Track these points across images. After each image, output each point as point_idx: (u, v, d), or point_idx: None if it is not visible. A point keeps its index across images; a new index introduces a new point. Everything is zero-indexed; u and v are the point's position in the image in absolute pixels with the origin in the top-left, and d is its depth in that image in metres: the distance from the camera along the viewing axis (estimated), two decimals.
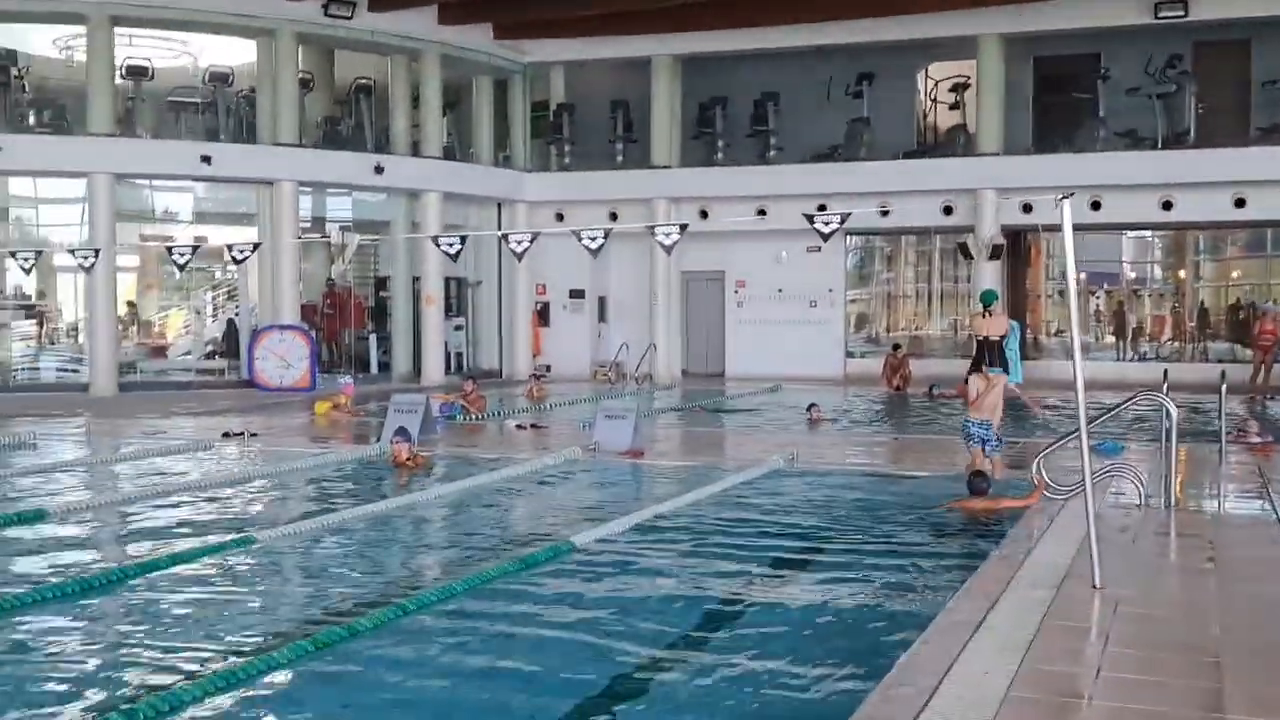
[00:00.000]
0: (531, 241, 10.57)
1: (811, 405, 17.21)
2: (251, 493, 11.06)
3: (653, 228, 8.51)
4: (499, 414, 17.96)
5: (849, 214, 7.71)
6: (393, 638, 6.20)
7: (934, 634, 5.87)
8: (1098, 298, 28.72)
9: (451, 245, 11.21)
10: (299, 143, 23.18)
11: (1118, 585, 6.89)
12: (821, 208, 24.62)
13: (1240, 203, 22.19)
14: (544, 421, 17.03)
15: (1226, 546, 8.31)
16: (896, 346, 23.38)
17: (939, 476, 11.61)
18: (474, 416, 17.28)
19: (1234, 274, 27.85)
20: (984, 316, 14.30)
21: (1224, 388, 13.59)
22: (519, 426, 15.97)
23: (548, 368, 26.62)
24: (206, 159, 21.85)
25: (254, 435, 14.86)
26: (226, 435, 14.81)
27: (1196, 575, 7.48)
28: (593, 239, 9.13)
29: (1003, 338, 14.18)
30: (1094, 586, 6.83)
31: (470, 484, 11.05)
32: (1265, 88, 23.25)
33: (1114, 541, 8.11)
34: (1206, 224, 24.05)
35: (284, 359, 22.24)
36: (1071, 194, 6.84)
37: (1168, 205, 22.59)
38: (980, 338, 14.20)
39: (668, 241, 8.27)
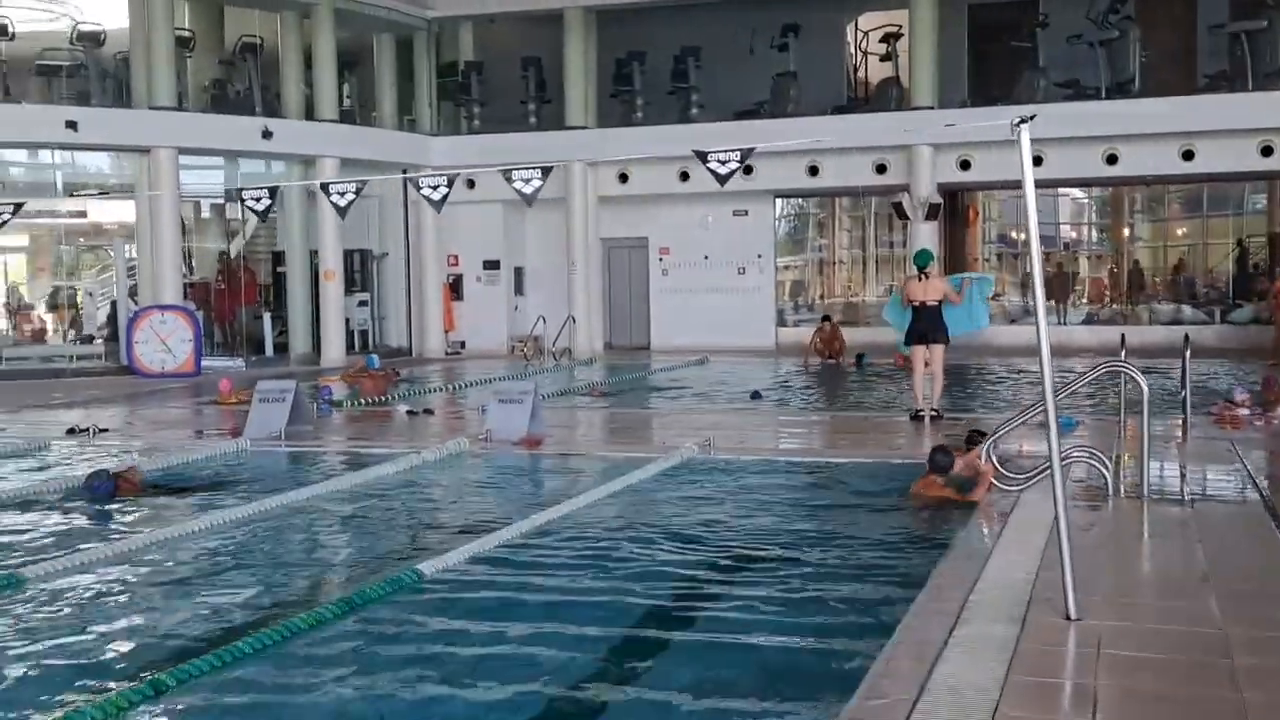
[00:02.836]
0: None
1: (755, 394, 15.75)
2: (45, 510, 9.19)
3: (509, 174, 6.88)
4: (401, 397, 16.22)
5: (750, 149, 6.16)
6: None
7: (862, 711, 4.37)
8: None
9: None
10: (177, 106, 21.19)
11: (1096, 614, 5.44)
12: (748, 169, 23.25)
13: (1188, 155, 20.98)
14: (435, 406, 15.38)
15: (1218, 550, 6.91)
16: (826, 318, 21.93)
17: (877, 463, 10.17)
18: (367, 401, 15.60)
19: (1179, 232, 26.83)
20: (919, 279, 12.85)
21: (1187, 353, 12.27)
22: (410, 412, 14.31)
23: (462, 344, 24.93)
24: (72, 124, 19.82)
25: (103, 431, 13.06)
26: (71, 432, 13.00)
27: (1192, 594, 6.03)
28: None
29: (940, 302, 12.73)
30: (1067, 618, 5.38)
31: (321, 490, 9.36)
32: (1212, 32, 22.02)
33: (1082, 547, 6.63)
34: (1153, 178, 22.84)
35: (165, 342, 20.33)
36: (1033, 117, 5.32)
37: (1113, 159, 21.33)
38: (916, 303, 12.74)
39: (527, 190, 6.67)
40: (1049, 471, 8.57)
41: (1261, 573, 6.54)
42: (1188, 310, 24.26)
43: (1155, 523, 7.75)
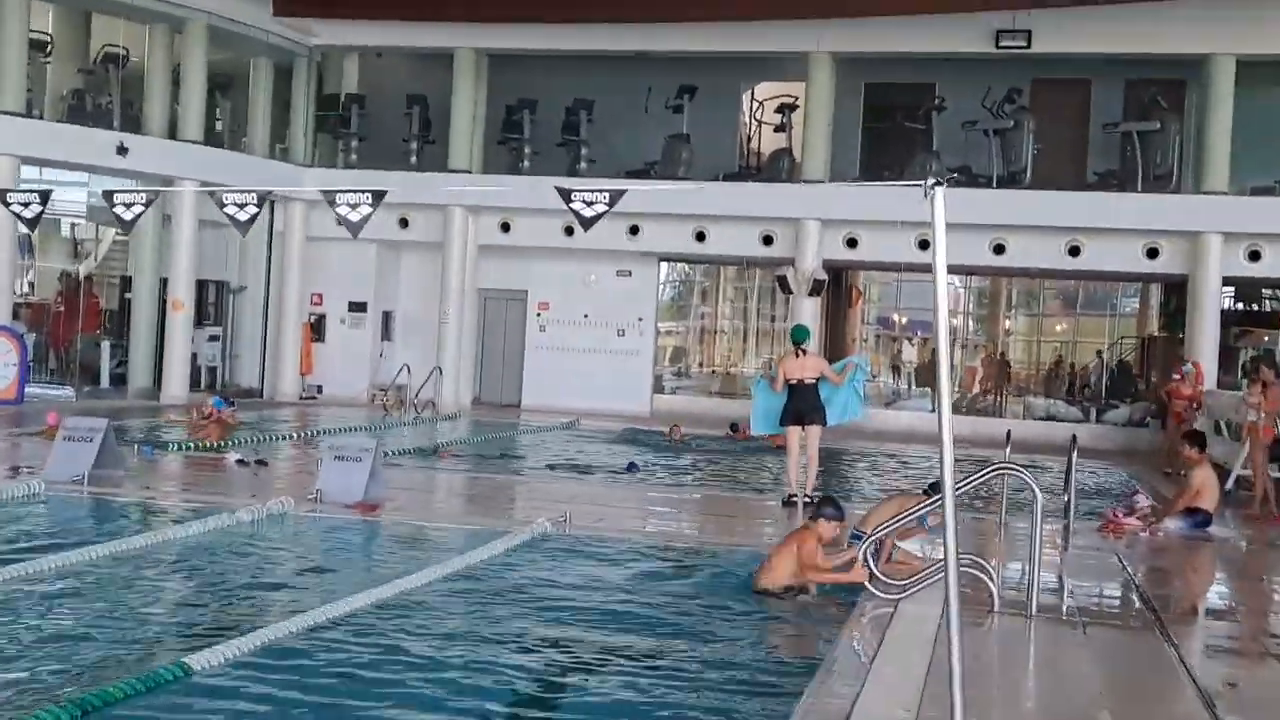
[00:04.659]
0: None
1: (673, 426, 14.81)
2: None
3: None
4: (236, 444, 14.80)
5: (621, 192, 5.24)
6: None
7: None
8: (913, 345, 27.45)
9: (243, 206, 7.61)
10: (25, 113, 19.59)
11: None
12: (634, 229, 22.49)
13: (1075, 250, 20.82)
14: (274, 456, 14.04)
15: (1116, 683, 6.12)
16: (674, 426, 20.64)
17: (747, 551, 9.24)
18: (206, 445, 14.20)
19: (1057, 328, 26.86)
20: (796, 356, 12.09)
21: (1074, 454, 11.67)
22: (240, 462, 12.96)
23: (319, 388, 23.50)
24: None
25: None
26: None
27: None
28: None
29: (817, 380, 11.95)
30: None
31: (103, 551, 8.03)
32: (1105, 130, 22.05)
33: (968, 675, 5.77)
34: (1039, 271, 22.67)
35: None
36: (945, 180, 4.52)
37: (1000, 249, 21.07)
38: (793, 381, 11.94)
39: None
40: (932, 582, 7.86)
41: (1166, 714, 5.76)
42: (1063, 406, 24.10)
43: (1045, 648, 6.96)
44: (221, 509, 9.66)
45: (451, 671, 5.95)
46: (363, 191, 5.50)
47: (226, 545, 8.71)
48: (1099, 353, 25.12)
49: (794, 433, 11.96)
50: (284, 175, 22.86)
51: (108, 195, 5.75)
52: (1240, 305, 24.41)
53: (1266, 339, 24.72)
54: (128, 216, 5.86)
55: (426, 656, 6.17)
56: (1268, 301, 24.73)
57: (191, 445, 14.25)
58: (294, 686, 5.49)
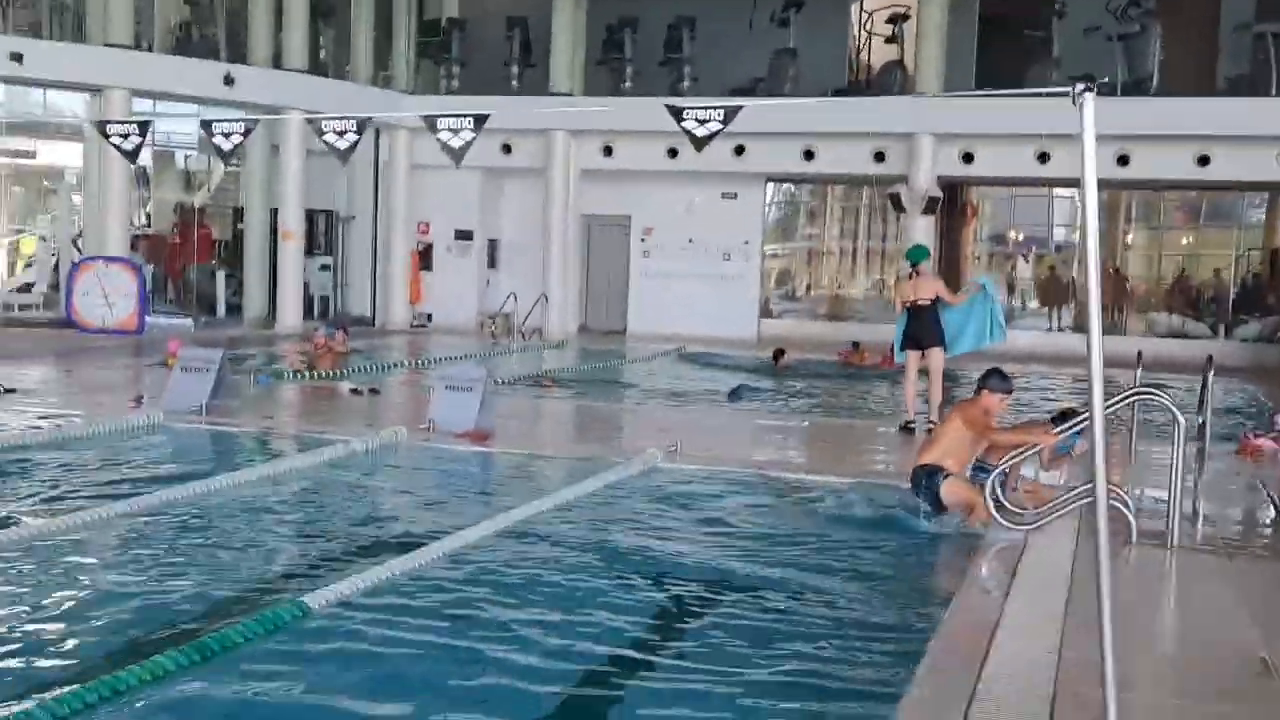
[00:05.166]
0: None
1: (734, 392, 14.56)
2: None
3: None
4: (351, 372, 14.89)
5: (737, 109, 4.94)
6: None
7: None
8: (1028, 262, 26.57)
9: (343, 133, 7.27)
10: (134, 45, 19.79)
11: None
12: (739, 150, 21.97)
13: (1204, 160, 19.79)
14: (388, 384, 14.12)
15: (1273, 618, 5.76)
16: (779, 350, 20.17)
17: (863, 482, 8.96)
18: (318, 374, 14.33)
19: (1183, 240, 25.71)
20: (911, 278, 11.64)
21: (1209, 373, 11.09)
22: (354, 391, 13.03)
23: (429, 316, 23.64)
24: (17, 57, 18.41)
25: (9, 391, 11.77)
26: None
27: (1254, 684, 4.86)
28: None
29: (934, 301, 11.48)
30: None
31: (225, 481, 8.09)
32: (1237, 32, 20.82)
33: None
34: (1165, 183, 21.65)
35: (107, 296, 18.99)
36: (1095, 86, 4.14)
37: (1124, 160, 20.09)
38: (907, 304, 11.53)
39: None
40: (1064, 512, 7.52)
41: None
42: (1190, 323, 23.14)
43: (1189, 581, 6.61)
44: (336, 439, 9.68)
45: (568, 607, 5.84)
46: (465, 116, 5.28)
47: (341, 476, 8.73)
48: (1217, 271, 24.01)
49: (913, 357, 11.59)
50: (387, 103, 22.80)
51: (205, 125, 5.62)
52: None
53: None
54: (226, 146, 5.74)
55: (543, 591, 6.07)
56: None
57: (306, 374, 14.38)
58: (407, 625, 5.42)
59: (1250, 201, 24.13)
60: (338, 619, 5.41)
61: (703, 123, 5.04)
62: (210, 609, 5.63)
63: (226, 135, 5.65)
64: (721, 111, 5.04)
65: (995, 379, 7.71)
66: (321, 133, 5.51)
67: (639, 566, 6.62)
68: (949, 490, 7.50)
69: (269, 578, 6.22)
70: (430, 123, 5.37)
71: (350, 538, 7.10)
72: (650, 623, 5.82)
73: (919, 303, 11.48)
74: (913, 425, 11.45)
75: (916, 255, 11.83)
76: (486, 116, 5.27)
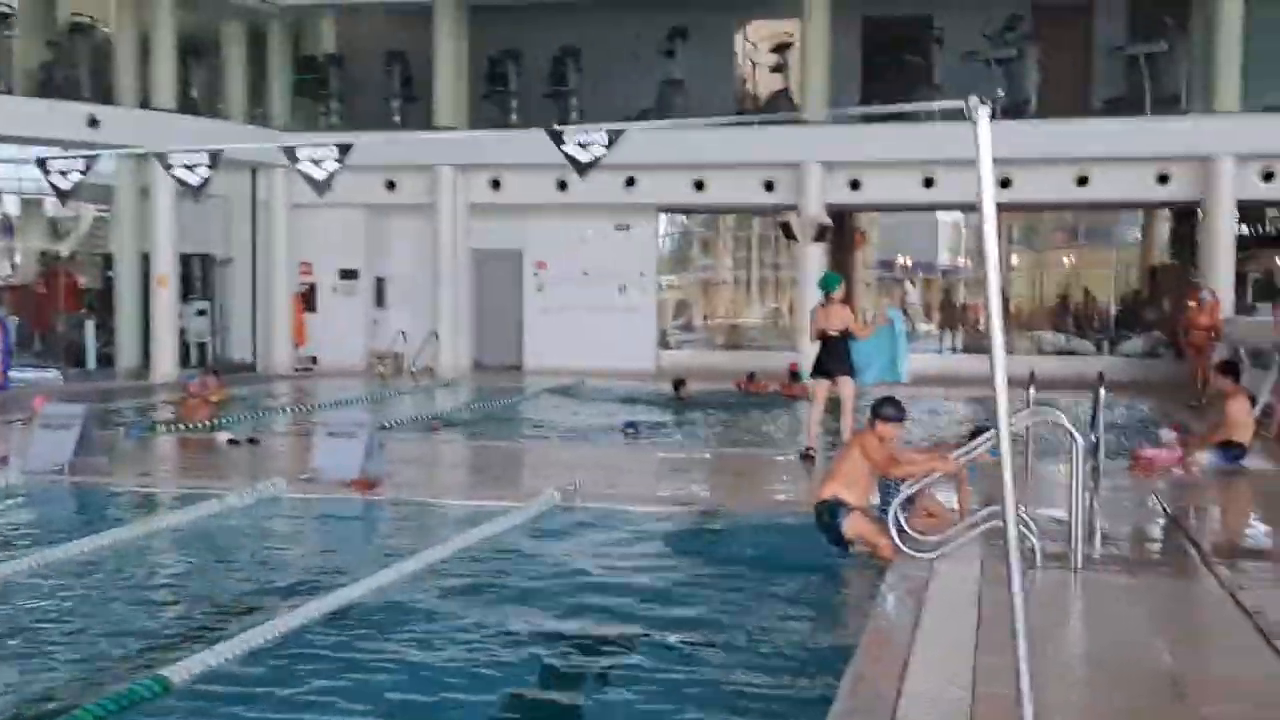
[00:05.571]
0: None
1: (629, 425, 14.23)
2: None
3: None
4: (236, 420, 14.23)
5: (619, 132, 4.67)
6: None
7: None
8: (915, 285, 26.92)
9: (194, 168, 6.60)
10: None
11: None
12: (630, 181, 21.81)
13: (1083, 180, 20.15)
14: (267, 432, 13.52)
15: (1184, 637, 5.61)
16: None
17: (761, 514, 8.72)
18: (193, 426, 13.66)
19: (1065, 260, 26.25)
20: (822, 305, 11.50)
21: (1100, 390, 11.13)
22: (232, 441, 12.41)
23: (314, 359, 22.94)
24: None
25: None
26: None
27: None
28: (317, 162, 5.26)
29: (843, 332, 11.32)
30: None
31: (82, 545, 7.49)
32: (1111, 55, 21.31)
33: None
34: (1046, 204, 22.01)
35: None
36: (994, 100, 3.97)
37: (1006, 183, 20.32)
38: (820, 333, 11.38)
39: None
40: (967, 539, 7.35)
41: (1244, 669, 5.25)
42: (1075, 340, 23.54)
43: (1094, 601, 6.48)
44: (210, 493, 9.12)
45: (463, 658, 5.47)
46: (327, 145, 4.91)
47: (214, 534, 8.20)
48: (1086, 290, 24.57)
49: (822, 387, 11.42)
50: (263, 141, 22.16)
51: (40, 163, 5.13)
52: (1244, 229, 23.78)
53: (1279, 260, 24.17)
54: (65, 185, 5.22)
55: (434, 648, 5.68)
56: (1272, 224, 24.07)
57: (181, 426, 13.71)
58: (272, 700, 4.98)
59: (1128, 220, 24.75)
60: (202, 693, 4.94)
61: (585, 147, 4.76)
62: (57, 687, 5.11)
63: (64, 174, 5.16)
64: (605, 135, 4.76)
65: (888, 408, 7.62)
66: (168, 166, 5.07)
67: (536, 616, 6.26)
68: (851, 527, 7.32)
69: (123, 651, 5.69)
70: (289, 153, 4.98)
71: (217, 602, 6.60)
72: (547, 677, 5.46)
73: (829, 333, 11.33)
74: (813, 453, 11.27)
75: (828, 283, 11.68)
76: (350, 146, 4.91)
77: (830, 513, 7.34)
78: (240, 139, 20.97)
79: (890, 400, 7.74)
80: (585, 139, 4.75)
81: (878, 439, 7.48)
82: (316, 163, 4.93)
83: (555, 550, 7.78)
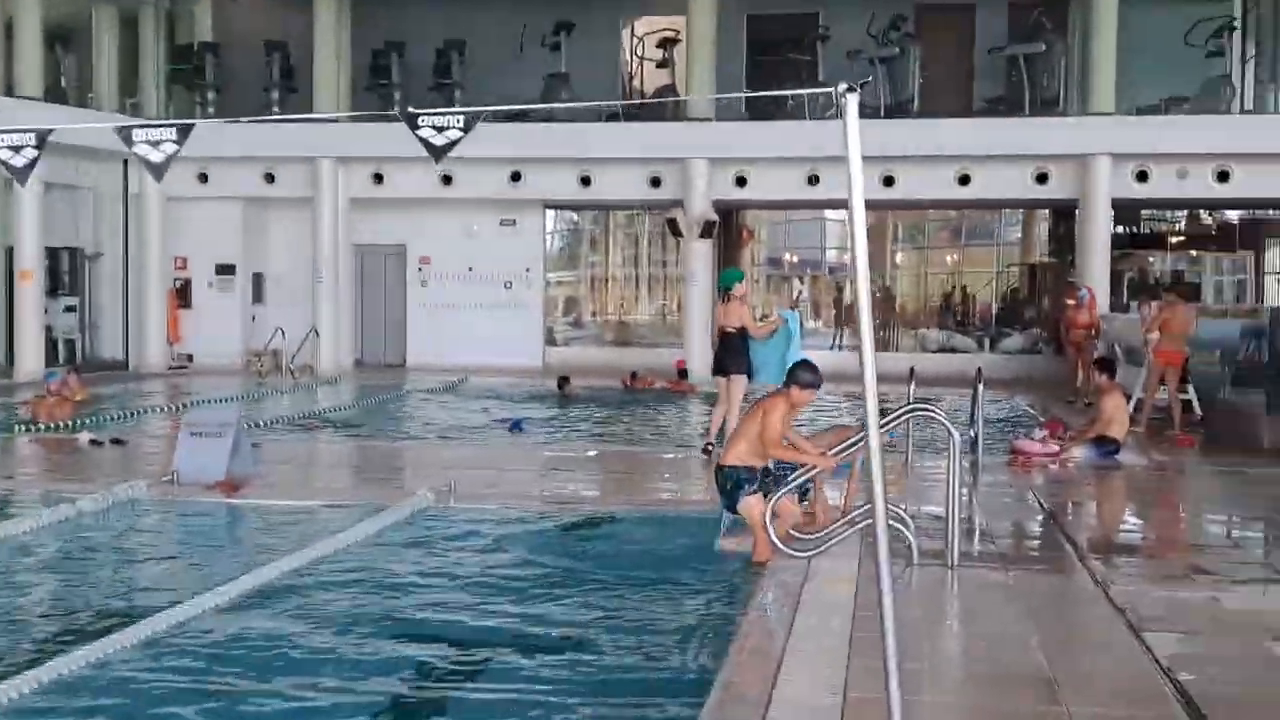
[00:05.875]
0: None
1: (515, 425, 13.97)
2: None
3: None
4: (102, 420, 13.62)
5: (476, 116, 4.46)
6: None
7: None
8: (804, 283, 27.10)
9: (19, 149, 6.18)
10: None
11: None
12: (516, 176, 21.53)
13: (965, 179, 20.43)
14: (135, 433, 12.96)
15: (1058, 636, 5.58)
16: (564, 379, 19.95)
17: (653, 512, 8.57)
18: (53, 426, 13.02)
19: (948, 259, 26.66)
20: (723, 302, 11.42)
21: (979, 387, 11.26)
22: (94, 442, 11.86)
23: (189, 357, 22.20)
24: None
25: None
26: None
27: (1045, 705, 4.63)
28: (154, 143, 4.86)
29: (740, 329, 11.20)
30: None
31: None
32: (991, 55, 21.66)
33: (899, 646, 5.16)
34: (929, 202, 22.28)
35: None
36: (862, 86, 3.87)
37: (889, 181, 20.53)
38: (718, 330, 11.32)
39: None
40: (844, 536, 7.28)
41: (1115, 666, 5.24)
42: (957, 338, 23.90)
43: (971, 599, 6.45)
44: (62, 499, 8.64)
45: (320, 676, 5.19)
46: (164, 127, 4.58)
47: (63, 542, 7.75)
48: (963, 289, 25.02)
49: (721, 383, 11.33)
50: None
51: None
52: (1119, 228, 24.43)
53: (1153, 260, 24.88)
54: (19, 163, 4.79)
55: (291, 659, 5.39)
56: (1145, 224, 24.77)
57: (43, 426, 13.07)
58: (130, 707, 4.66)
59: (1008, 219, 25.21)
60: (30, 714, 4.60)
61: (440, 130, 4.53)
62: None
63: (6, 151, 4.73)
64: (461, 119, 4.53)
65: (805, 373, 7.27)
66: None
67: (400, 626, 6.00)
68: (745, 507, 7.16)
69: None
70: (124, 136, 4.66)
71: (54, 617, 6.20)
72: (410, 691, 5.21)
73: (726, 329, 11.24)
74: (711, 448, 11.16)
75: (727, 279, 11.61)
76: (191, 126, 4.60)
77: (734, 482, 7.19)
78: (106, 129, 20.16)
79: (807, 364, 7.40)
80: (441, 123, 4.52)
81: (789, 404, 7.22)
82: (154, 144, 4.61)
83: (422, 554, 7.51)
